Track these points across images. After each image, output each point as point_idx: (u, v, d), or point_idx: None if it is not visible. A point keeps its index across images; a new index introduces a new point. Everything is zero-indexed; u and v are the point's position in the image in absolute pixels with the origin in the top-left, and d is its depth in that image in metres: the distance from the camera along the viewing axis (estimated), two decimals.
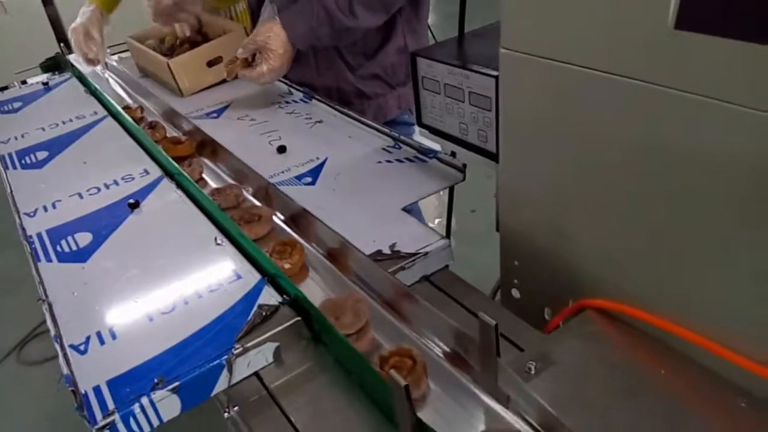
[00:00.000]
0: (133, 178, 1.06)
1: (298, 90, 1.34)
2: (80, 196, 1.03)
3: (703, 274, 0.57)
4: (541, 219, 0.72)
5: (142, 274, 0.81)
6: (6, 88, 1.65)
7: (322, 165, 1.02)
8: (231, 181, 1.02)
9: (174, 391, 0.62)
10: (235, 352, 0.65)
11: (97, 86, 1.48)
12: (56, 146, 1.24)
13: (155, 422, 0.62)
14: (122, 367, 0.65)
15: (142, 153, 1.15)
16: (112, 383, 0.64)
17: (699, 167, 0.53)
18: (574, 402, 0.58)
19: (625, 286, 0.65)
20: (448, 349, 0.64)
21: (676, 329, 0.59)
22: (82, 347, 0.69)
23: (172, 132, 1.24)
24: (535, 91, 0.65)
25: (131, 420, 0.61)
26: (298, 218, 0.86)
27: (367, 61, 1.31)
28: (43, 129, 1.33)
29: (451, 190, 0.99)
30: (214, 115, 1.30)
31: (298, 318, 0.69)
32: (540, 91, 0.64)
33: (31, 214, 0.99)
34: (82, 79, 1.60)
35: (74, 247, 0.89)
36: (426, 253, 0.77)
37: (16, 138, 1.30)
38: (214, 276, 0.78)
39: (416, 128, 0.96)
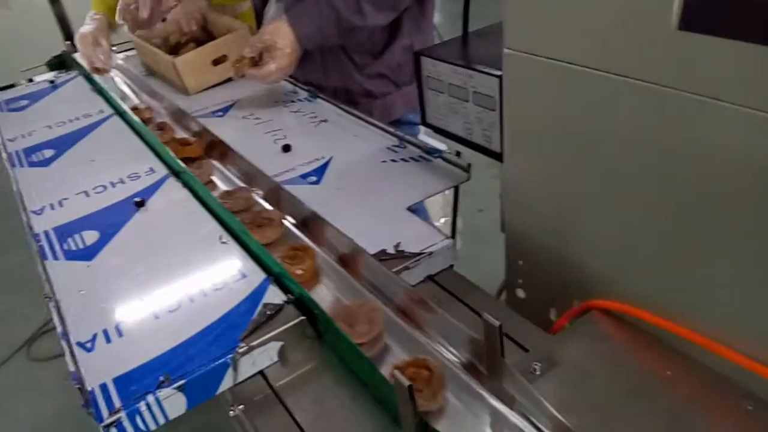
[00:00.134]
0: (139, 177, 1.07)
1: (303, 89, 1.34)
2: (87, 194, 1.04)
3: (710, 276, 0.57)
4: (546, 219, 0.72)
5: (148, 272, 0.82)
6: (13, 86, 1.66)
7: (327, 164, 1.02)
8: (240, 184, 1.01)
9: (179, 389, 0.63)
10: (240, 350, 0.65)
11: (103, 85, 1.48)
12: (63, 144, 1.25)
13: (161, 420, 0.62)
14: (129, 365, 0.65)
15: (148, 151, 1.16)
16: (118, 381, 0.64)
17: (704, 168, 0.52)
18: (579, 403, 0.58)
19: (630, 286, 0.65)
20: (464, 359, 0.63)
21: (682, 331, 0.59)
22: (88, 345, 0.70)
23: (179, 132, 1.24)
24: (539, 92, 0.65)
25: (137, 418, 0.61)
26: (309, 222, 0.85)
27: (373, 60, 1.31)
28: (50, 127, 1.33)
29: (457, 189, 0.98)
30: (220, 113, 1.30)
31: (303, 317, 0.69)
32: (543, 91, 0.64)
33: (39, 211, 1.00)
34: (88, 77, 1.61)
35: (81, 245, 0.89)
36: (430, 253, 0.77)
37: (23, 136, 1.30)
38: (219, 275, 0.78)
39: (422, 127, 0.95)
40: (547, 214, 0.72)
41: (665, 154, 0.55)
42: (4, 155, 1.21)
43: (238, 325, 0.69)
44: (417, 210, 0.90)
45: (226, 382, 0.65)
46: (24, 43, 3.59)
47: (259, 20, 1.44)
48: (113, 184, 1.05)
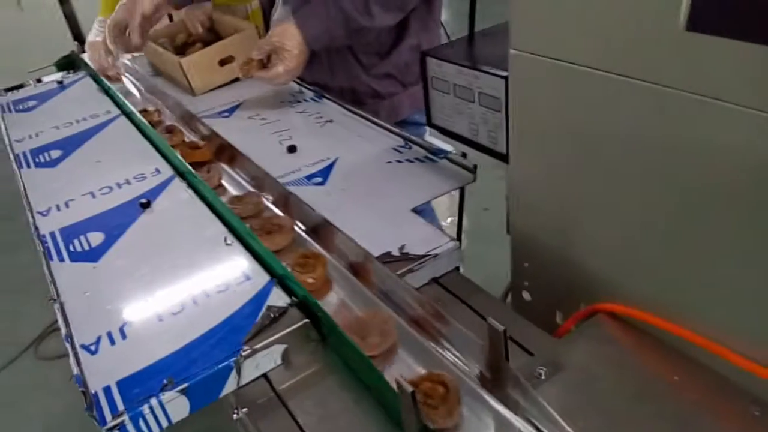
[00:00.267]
0: (145, 178, 1.07)
1: (309, 89, 1.34)
2: (93, 195, 1.04)
3: (716, 279, 0.56)
4: (552, 221, 0.72)
5: (152, 273, 0.82)
6: (22, 86, 1.67)
7: (332, 165, 1.02)
8: (250, 188, 1.00)
9: (183, 392, 0.62)
10: (244, 354, 0.65)
11: (111, 85, 1.49)
12: (70, 145, 1.25)
13: (164, 423, 0.62)
14: (132, 368, 0.65)
15: (154, 152, 1.16)
16: (122, 384, 0.64)
17: (708, 169, 0.52)
18: (585, 408, 0.57)
19: (636, 289, 0.64)
20: (478, 371, 0.61)
21: (688, 334, 0.59)
22: (92, 347, 0.70)
23: (188, 135, 1.23)
24: (545, 93, 0.64)
25: (140, 421, 0.61)
26: (320, 228, 0.85)
27: (380, 60, 1.31)
28: (58, 128, 1.34)
29: (462, 190, 0.98)
30: (226, 114, 1.30)
31: (307, 320, 0.69)
32: (549, 92, 0.63)
33: (45, 213, 1.00)
34: (96, 77, 1.61)
35: (86, 247, 0.89)
36: (435, 255, 0.77)
37: (30, 137, 1.31)
38: (224, 277, 0.78)
39: (428, 128, 0.95)
40: (552, 215, 0.71)
41: (670, 155, 0.54)
42: (11, 156, 1.21)
43: (241, 328, 0.68)
44: (423, 209, 0.90)
45: (230, 385, 0.65)
46: (35, 44, 3.62)
47: (267, 20, 1.44)
48: (119, 185, 1.06)
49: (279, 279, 0.75)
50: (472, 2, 0.84)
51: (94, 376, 0.65)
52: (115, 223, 0.94)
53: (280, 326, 0.68)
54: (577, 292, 0.71)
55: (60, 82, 1.64)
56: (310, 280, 0.75)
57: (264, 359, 0.67)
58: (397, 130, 1.08)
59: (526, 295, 0.80)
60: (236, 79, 1.45)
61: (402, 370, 0.64)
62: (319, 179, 0.98)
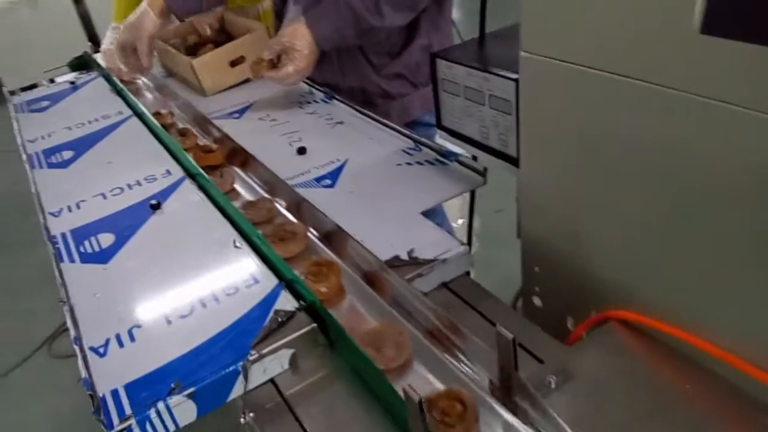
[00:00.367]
0: (156, 179, 1.07)
1: (319, 90, 1.34)
2: (104, 196, 1.04)
3: (731, 287, 0.55)
4: (562, 226, 0.71)
5: (161, 275, 0.82)
6: (35, 86, 1.68)
7: (341, 167, 1.02)
8: (263, 193, 0.99)
9: (190, 396, 0.62)
10: (251, 358, 0.65)
11: (123, 86, 1.49)
12: (82, 146, 1.26)
13: (171, 427, 0.62)
14: (140, 371, 0.65)
15: (165, 153, 1.16)
16: (129, 387, 0.64)
17: (726, 175, 0.51)
18: (595, 418, 0.56)
19: (649, 296, 0.63)
20: (487, 379, 0.61)
21: (701, 343, 0.58)
22: (101, 350, 0.70)
23: (201, 138, 1.23)
24: (556, 96, 0.63)
25: (147, 425, 0.61)
26: (333, 235, 0.83)
27: (391, 60, 1.30)
28: (70, 128, 1.35)
29: (473, 192, 0.97)
30: (236, 115, 1.30)
31: (314, 324, 0.68)
32: (561, 95, 0.62)
33: (56, 213, 1.01)
34: (108, 78, 1.62)
35: (97, 248, 0.89)
36: (445, 260, 0.76)
37: (43, 137, 1.32)
38: (232, 280, 0.78)
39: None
40: (563, 220, 0.70)
41: (682, 159, 0.53)
42: (23, 156, 1.22)
43: (249, 332, 0.68)
44: (434, 210, 0.89)
45: (237, 390, 0.65)
46: (50, 44, 3.65)
47: (280, 20, 1.44)
48: (130, 186, 1.06)
49: (287, 283, 0.75)
50: (482, 3, 0.83)
51: (102, 379, 0.65)
52: (125, 225, 0.94)
53: (288, 330, 0.68)
54: (589, 298, 0.70)
55: (72, 83, 1.65)
56: (324, 289, 0.74)
57: (271, 364, 0.66)
58: (407, 132, 1.07)
59: (536, 301, 0.79)
60: (247, 80, 1.45)
61: (417, 384, 0.62)
62: (329, 181, 0.98)
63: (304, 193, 0.92)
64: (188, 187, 1.03)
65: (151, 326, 0.72)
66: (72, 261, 0.88)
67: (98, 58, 1.73)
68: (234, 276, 0.78)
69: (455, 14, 1.40)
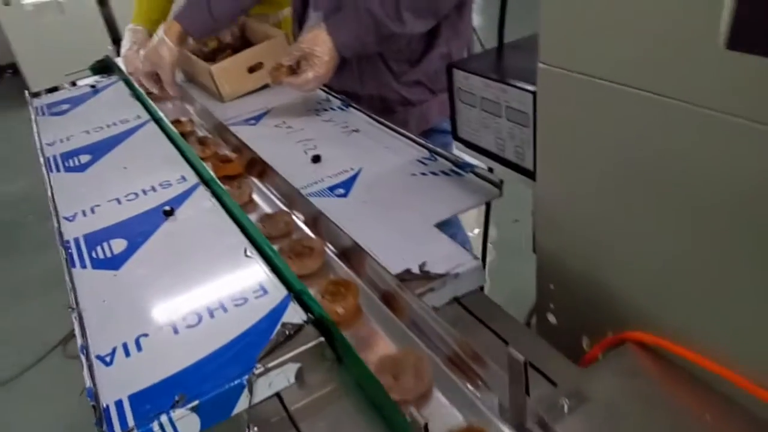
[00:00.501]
0: (171, 185, 1.07)
1: (336, 97, 1.33)
2: (118, 201, 1.04)
3: (756, 313, 0.52)
4: (580, 243, 0.69)
5: (171, 283, 0.81)
6: (56, 89, 1.70)
7: (355, 176, 1.00)
8: (281, 205, 0.97)
9: (194, 409, 0.61)
10: (257, 372, 0.64)
11: (142, 90, 1.50)
12: (99, 150, 1.26)
13: None
14: (144, 382, 0.65)
15: (181, 159, 1.16)
16: (133, 398, 0.63)
17: (754, 197, 0.48)
18: None
19: (668, 319, 0.61)
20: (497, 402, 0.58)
21: (722, 370, 0.55)
22: (108, 358, 0.69)
23: (220, 145, 1.22)
24: (574, 109, 0.61)
25: None
26: (350, 252, 0.81)
27: (411, 67, 1.29)
28: (88, 132, 1.35)
29: (488, 204, 0.95)
30: (253, 121, 1.30)
31: (322, 339, 0.67)
32: (579, 108, 0.61)
33: (71, 218, 1.01)
34: (128, 82, 1.63)
35: (108, 254, 0.89)
36: (457, 274, 0.74)
37: (61, 141, 1.33)
38: (241, 289, 0.77)
39: None
40: (580, 237, 0.68)
41: (709, 180, 0.51)
42: (41, 160, 1.22)
43: (256, 344, 0.67)
44: (449, 220, 0.87)
45: (242, 404, 0.64)
46: (76, 46, 3.71)
47: (300, 26, 1.43)
48: (145, 192, 1.06)
49: (296, 294, 0.74)
50: (501, 13, 0.81)
51: (107, 389, 0.65)
52: (138, 231, 0.94)
53: (295, 344, 0.67)
54: (605, 318, 0.68)
55: (93, 86, 1.67)
56: (340, 310, 0.71)
57: (277, 378, 0.65)
58: (422, 142, 1.06)
59: (551, 318, 0.77)
60: (265, 86, 1.45)
61: (436, 415, 0.60)
62: (342, 191, 0.97)
63: (317, 202, 0.91)
64: (202, 193, 1.03)
65: (158, 335, 0.72)
66: (84, 267, 0.87)
67: (119, 61, 1.75)
68: (243, 285, 0.77)
69: (476, 20, 1.38)
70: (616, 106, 0.56)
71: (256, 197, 1.02)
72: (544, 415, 0.53)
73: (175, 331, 0.72)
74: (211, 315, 0.73)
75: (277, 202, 0.98)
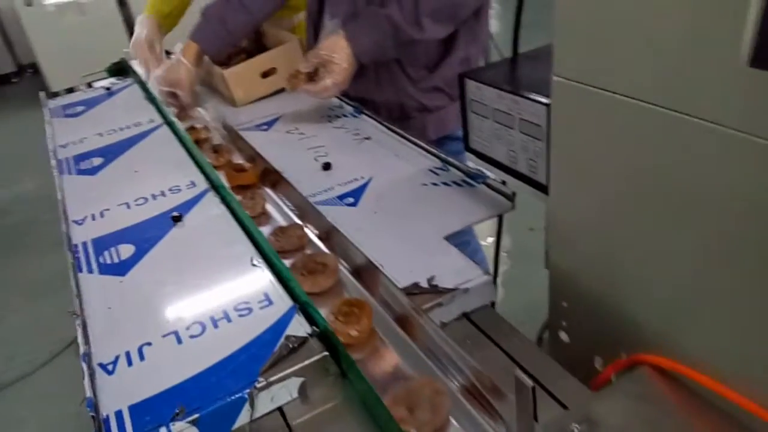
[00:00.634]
0: (180, 190, 1.07)
1: (349, 104, 1.32)
2: (128, 206, 1.04)
3: None
4: (593, 259, 0.66)
5: (177, 291, 0.80)
6: (72, 90, 1.71)
7: (365, 185, 0.99)
8: (294, 217, 0.94)
9: (194, 422, 0.61)
10: (258, 386, 0.62)
11: (156, 94, 1.50)
12: (111, 153, 1.26)
13: None
14: (145, 393, 0.64)
15: (192, 164, 1.16)
16: (134, 409, 0.62)
17: None
18: None
19: (685, 343, 0.58)
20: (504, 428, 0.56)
21: (740, 399, 0.53)
22: (110, 367, 0.69)
23: (233, 152, 1.21)
24: (589, 123, 0.59)
25: None
26: (364, 270, 0.77)
27: (429, 73, 1.27)
28: (101, 135, 1.36)
29: (501, 217, 0.93)
30: (264, 127, 1.29)
31: (326, 353, 0.66)
32: (594, 123, 0.59)
33: (80, 221, 1.01)
34: (143, 85, 1.64)
35: (116, 259, 0.89)
36: (466, 290, 0.73)
37: (74, 143, 1.33)
38: (246, 299, 0.76)
39: None
40: (594, 254, 0.66)
41: (729, 201, 0.49)
42: (53, 162, 1.23)
43: (259, 357, 0.66)
44: (461, 229, 0.85)
45: (243, 418, 0.63)
46: (97, 47, 3.73)
47: (315, 30, 1.42)
48: (154, 197, 1.05)
49: (301, 306, 0.73)
50: (516, 22, 0.79)
51: (108, 398, 0.64)
52: (146, 236, 0.94)
53: (299, 358, 0.66)
54: (619, 339, 0.66)
55: (108, 89, 1.67)
56: (354, 333, 0.67)
57: (280, 392, 0.64)
58: (435, 151, 1.04)
59: (563, 336, 0.75)
60: (278, 91, 1.44)
61: None
62: (351, 200, 0.95)
63: (327, 211, 0.89)
64: (211, 199, 1.02)
65: (161, 345, 0.71)
66: (90, 271, 0.87)
67: (134, 64, 1.75)
68: (248, 295, 0.76)
69: (494, 27, 1.36)
70: (632, 122, 0.54)
71: (269, 207, 0.99)
72: None
73: (179, 341, 0.71)
74: (215, 325, 0.72)
75: (291, 214, 0.95)
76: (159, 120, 1.40)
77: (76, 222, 1.01)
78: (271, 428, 0.63)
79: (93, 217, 1.02)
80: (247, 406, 0.62)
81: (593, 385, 0.65)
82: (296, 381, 0.65)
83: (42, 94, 1.63)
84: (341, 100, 1.34)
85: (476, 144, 0.84)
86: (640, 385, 0.60)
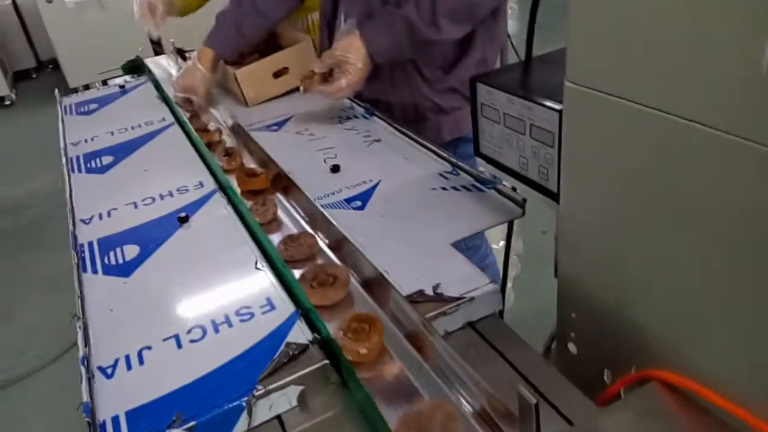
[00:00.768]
0: (188, 190, 1.06)
1: (360, 105, 1.30)
2: (135, 205, 1.04)
3: None
4: (603, 270, 0.64)
5: (179, 294, 0.80)
6: (88, 87, 1.71)
7: (374, 188, 0.97)
8: (305, 225, 0.90)
9: (190, 430, 0.60)
10: (257, 394, 0.61)
11: (168, 93, 1.50)
12: (122, 152, 1.26)
13: None
14: (144, 398, 0.63)
15: (201, 163, 1.15)
16: (131, 414, 0.62)
17: None
18: None
19: (695, 358, 0.56)
20: None
21: (752, 420, 0.50)
22: (109, 370, 0.68)
23: (240, 153, 1.19)
24: (602, 131, 0.57)
25: None
26: (374, 283, 0.74)
27: (444, 74, 1.25)
28: (112, 133, 1.36)
29: (510, 223, 0.91)
30: (275, 127, 1.28)
31: (327, 361, 0.64)
32: (607, 131, 0.57)
33: (87, 221, 1.01)
34: (156, 83, 1.64)
35: (120, 260, 0.88)
36: (472, 298, 0.71)
37: (86, 141, 1.33)
38: (248, 304, 0.75)
39: None
40: (605, 265, 0.64)
41: (747, 214, 0.47)
42: (63, 160, 1.23)
43: (258, 364, 0.65)
44: None
45: (240, 426, 0.62)
46: (115, 45, 3.75)
47: (330, 30, 1.40)
48: (162, 197, 1.05)
49: (304, 312, 0.71)
50: (530, 25, 0.77)
51: (106, 402, 0.64)
52: (151, 237, 0.93)
53: (299, 365, 0.64)
54: (629, 352, 0.64)
55: (122, 86, 1.68)
56: (363, 351, 0.64)
57: (279, 400, 0.63)
58: (445, 155, 1.02)
59: (572, 347, 0.73)
60: (290, 92, 1.43)
61: None
62: (359, 203, 0.94)
63: (334, 214, 0.88)
64: (218, 200, 1.01)
65: (161, 349, 0.70)
66: (95, 272, 0.87)
67: (149, 62, 1.76)
68: (251, 299, 0.75)
69: (512, 27, 1.33)
70: (646, 131, 0.52)
71: (280, 213, 0.95)
72: None
73: (179, 345, 0.70)
74: (216, 330, 0.71)
75: (302, 222, 0.92)
76: (171, 119, 1.40)
77: (83, 221, 1.00)
78: None
79: (100, 217, 1.01)
80: (244, 415, 0.61)
81: (601, 400, 0.63)
82: (296, 389, 0.63)
83: (57, 92, 1.64)
84: (353, 101, 1.33)
85: (486, 149, 0.83)
86: (650, 400, 0.58)
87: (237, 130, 1.28)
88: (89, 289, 0.82)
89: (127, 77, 1.78)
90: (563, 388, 0.62)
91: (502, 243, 1.91)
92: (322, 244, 0.84)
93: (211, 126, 1.32)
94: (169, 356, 0.69)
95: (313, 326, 0.69)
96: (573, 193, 0.66)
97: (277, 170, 1.05)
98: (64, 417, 1.98)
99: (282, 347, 0.66)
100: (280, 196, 1.00)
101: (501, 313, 0.76)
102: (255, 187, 1.01)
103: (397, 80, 1.27)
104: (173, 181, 1.09)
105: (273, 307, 0.73)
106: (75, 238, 0.94)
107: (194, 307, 0.77)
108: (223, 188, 1.03)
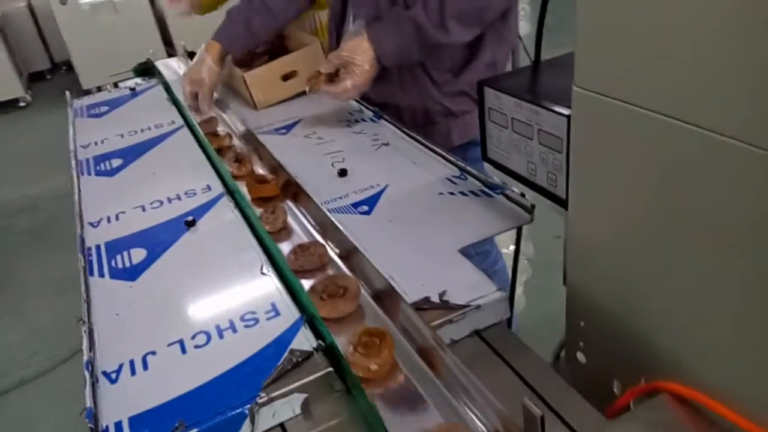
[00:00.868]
0: (196, 194, 1.06)
1: (369, 109, 1.30)
2: (143, 209, 1.04)
3: None
4: (613, 279, 0.63)
5: (185, 299, 0.80)
6: (99, 89, 1.72)
7: (381, 193, 0.97)
8: (315, 234, 0.88)
9: None
10: (260, 401, 0.61)
11: (178, 96, 1.50)
12: (131, 154, 1.27)
13: None
14: (147, 404, 0.63)
15: (209, 167, 1.15)
16: (134, 420, 0.62)
17: None
18: None
19: (709, 373, 0.55)
20: None
21: None
22: (113, 375, 0.68)
23: (250, 158, 1.17)
24: (611, 137, 0.56)
25: None
26: (385, 295, 0.72)
27: (454, 77, 1.24)
28: (122, 136, 1.36)
29: (519, 229, 0.90)
30: (283, 131, 1.28)
31: (331, 369, 0.64)
32: (616, 136, 0.56)
33: (95, 224, 1.01)
34: (166, 86, 1.64)
35: (127, 264, 0.88)
36: (478, 306, 0.70)
37: (96, 143, 1.34)
38: (254, 309, 0.74)
39: None
40: (614, 273, 0.63)
41: (759, 224, 0.45)
42: (72, 162, 1.23)
43: (262, 371, 0.64)
44: None
45: None
46: (128, 46, 3.78)
47: (338, 31, 1.40)
48: (170, 200, 1.05)
49: (308, 318, 0.71)
50: (539, 27, 0.76)
51: (109, 407, 0.63)
52: (159, 240, 0.93)
53: (303, 373, 0.64)
54: (639, 362, 0.62)
55: (133, 89, 1.68)
56: (374, 367, 0.62)
57: (282, 408, 0.62)
58: (453, 159, 1.01)
59: (580, 357, 0.72)
60: (299, 95, 1.43)
61: None
62: (366, 208, 0.93)
63: (340, 219, 0.87)
64: (226, 204, 1.01)
65: (165, 354, 0.70)
66: (102, 275, 0.87)
67: (159, 64, 1.76)
68: (256, 305, 0.75)
69: (526, 29, 1.32)
70: (656, 138, 0.51)
71: (290, 221, 0.93)
72: None
73: (183, 351, 0.70)
74: (221, 335, 0.71)
75: (312, 230, 0.89)
76: (180, 122, 1.40)
77: (91, 224, 1.01)
78: None
79: (108, 220, 1.02)
80: (247, 422, 0.61)
81: (610, 412, 0.62)
82: (299, 397, 0.63)
83: (68, 94, 1.65)
84: (361, 104, 1.32)
85: (494, 154, 0.82)
86: (659, 414, 0.57)
87: (247, 136, 1.27)
88: (95, 293, 0.82)
89: (138, 80, 1.79)
90: (570, 398, 0.61)
91: (512, 247, 1.89)
92: (333, 254, 0.83)
93: (221, 131, 1.31)
94: (173, 362, 0.68)
95: (317, 333, 0.69)
96: (581, 200, 0.65)
97: (287, 177, 1.03)
98: (71, 418, 2.00)
99: (286, 354, 0.66)
100: (290, 203, 0.98)
101: (509, 321, 0.75)
102: (265, 194, 1.00)
103: (406, 83, 1.26)
104: (181, 184, 1.09)
105: (278, 313, 0.73)
106: (82, 241, 0.94)
107: (199, 311, 0.77)
108: (231, 192, 1.03)
